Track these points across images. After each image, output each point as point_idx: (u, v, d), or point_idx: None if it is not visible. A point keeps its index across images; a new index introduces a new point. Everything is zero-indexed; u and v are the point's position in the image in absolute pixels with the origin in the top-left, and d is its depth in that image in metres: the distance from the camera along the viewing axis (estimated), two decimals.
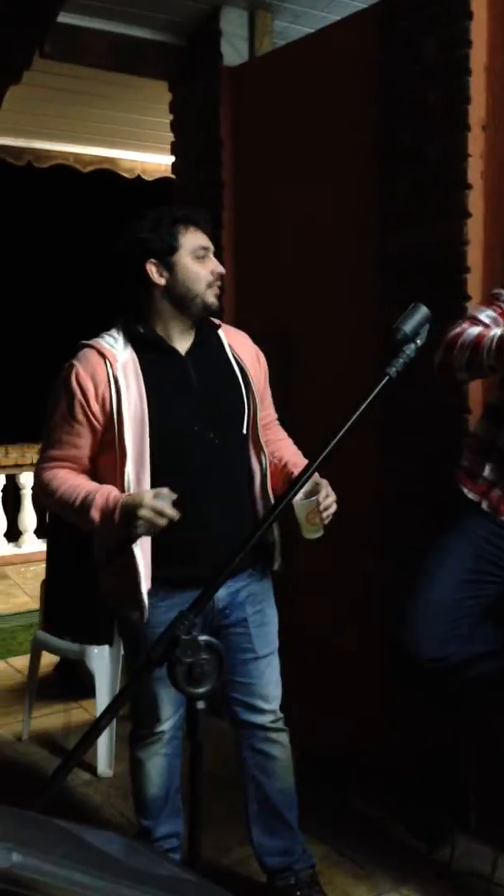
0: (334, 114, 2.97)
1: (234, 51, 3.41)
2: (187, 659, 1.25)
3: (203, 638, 1.26)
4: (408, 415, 2.66)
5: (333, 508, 2.07)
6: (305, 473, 1.40)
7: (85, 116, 4.64)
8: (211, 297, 2.10)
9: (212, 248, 2.14)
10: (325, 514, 2.05)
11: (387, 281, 2.75)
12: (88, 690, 3.23)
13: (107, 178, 5.49)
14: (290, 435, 2.39)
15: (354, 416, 1.33)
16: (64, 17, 3.22)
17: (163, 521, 1.90)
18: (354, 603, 2.99)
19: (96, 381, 2.03)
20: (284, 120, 3.17)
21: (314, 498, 2.03)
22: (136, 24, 3.40)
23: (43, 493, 2.10)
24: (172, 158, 3.69)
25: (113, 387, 2.01)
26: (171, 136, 3.68)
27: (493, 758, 2.53)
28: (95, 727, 1.24)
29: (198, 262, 2.09)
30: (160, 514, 1.89)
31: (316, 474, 2.06)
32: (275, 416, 2.37)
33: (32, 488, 2.68)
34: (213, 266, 2.11)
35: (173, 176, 3.72)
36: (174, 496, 1.90)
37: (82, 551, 2.31)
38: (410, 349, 1.46)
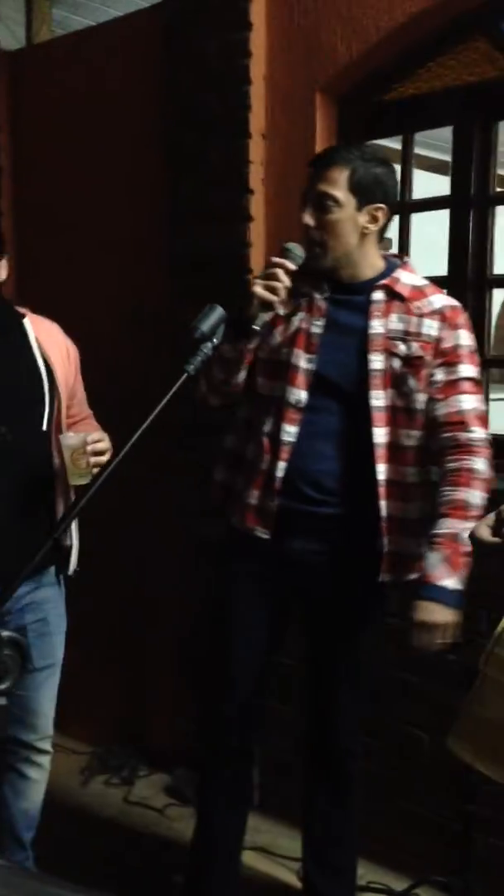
0: (120, 109, 2.98)
1: (10, 35, 3.33)
2: None
3: (5, 633, 1.23)
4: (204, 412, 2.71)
5: (103, 457, 1.98)
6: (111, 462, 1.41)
7: None
8: None
9: None
10: (93, 460, 1.96)
11: (179, 280, 2.79)
12: None
13: None
14: None
15: (156, 410, 1.36)
16: None
17: None
18: (149, 596, 3.02)
19: None
20: (70, 110, 3.13)
21: (82, 435, 1.97)
22: None
23: None
24: None
25: None
26: None
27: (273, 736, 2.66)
28: None
29: None
30: None
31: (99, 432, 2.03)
32: (88, 412, 2.26)
33: None
34: None
35: None
36: None
37: None
38: (207, 347, 1.51)
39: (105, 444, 1.99)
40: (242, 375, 2.05)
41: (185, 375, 1.45)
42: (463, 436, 1.93)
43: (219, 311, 1.58)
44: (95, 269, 3.06)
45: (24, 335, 2.09)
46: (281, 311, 1.95)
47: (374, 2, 2.39)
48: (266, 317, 1.90)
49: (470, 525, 1.85)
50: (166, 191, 2.81)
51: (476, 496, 1.90)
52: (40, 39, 3.37)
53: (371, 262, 2.00)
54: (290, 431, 1.99)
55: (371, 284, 1.99)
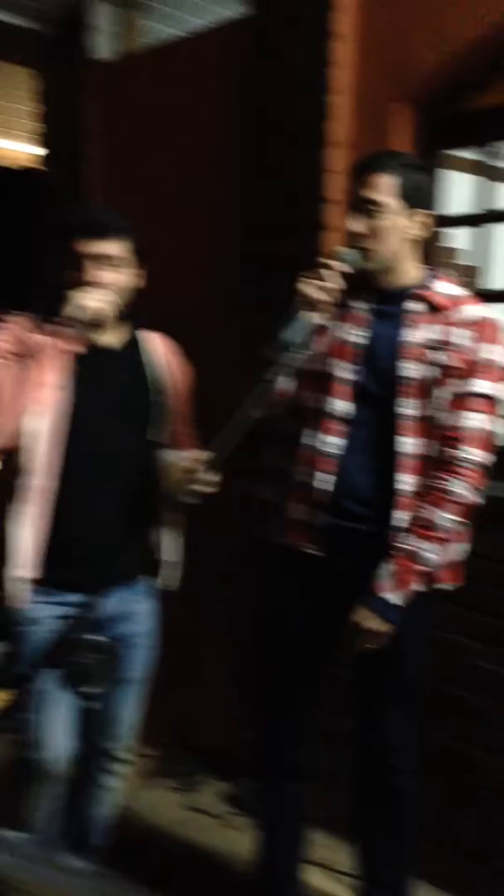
0: (206, 115, 3.00)
1: (102, 45, 3.39)
2: (83, 660, 1.20)
3: (92, 637, 1.22)
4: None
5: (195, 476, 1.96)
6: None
7: None
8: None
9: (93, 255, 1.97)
10: (183, 477, 1.94)
11: (250, 286, 2.79)
12: None
13: None
14: None
15: (243, 420, 1.32)
16: None
17: None
18: (209, 612, 3.02)
19: None
20: (157, 118, 3.16)
21: (181, 453, 1.99)
22: (2, 9, 3.32)
23: None
24: (27, 146, 3.61)
25: None
26: (27, 124, 3.61)
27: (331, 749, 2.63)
28: None
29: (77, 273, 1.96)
30: None
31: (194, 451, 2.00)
32: (191, 431, 2.21)
33: None
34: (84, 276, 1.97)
35: (39, 166, 3.64)
36: None
37: None
38: (291, 357, 1.48)
39: (195, 464, 1.93)
40: (287, 384, 2.01)
41: (267, 383, 1.42)
42: (451, 452, 1.89)
43: (303, 320, 1.55)
44: (176, 277, 3.07)
45: (140, 349, 2.11)
46: (323, 318, 1.92)
47: (458, 11, 2.36)
48: (310, 318, 1.87)
49: (432, 546, 1.87)
50: (244, 197, 2.82)
51: (444, 518, 1.88)
52: (132, 50, 3.42)
53: (410, 271, 1.99)
54: (331, 443, 1.98)
55: (407, 293, 1.97)
